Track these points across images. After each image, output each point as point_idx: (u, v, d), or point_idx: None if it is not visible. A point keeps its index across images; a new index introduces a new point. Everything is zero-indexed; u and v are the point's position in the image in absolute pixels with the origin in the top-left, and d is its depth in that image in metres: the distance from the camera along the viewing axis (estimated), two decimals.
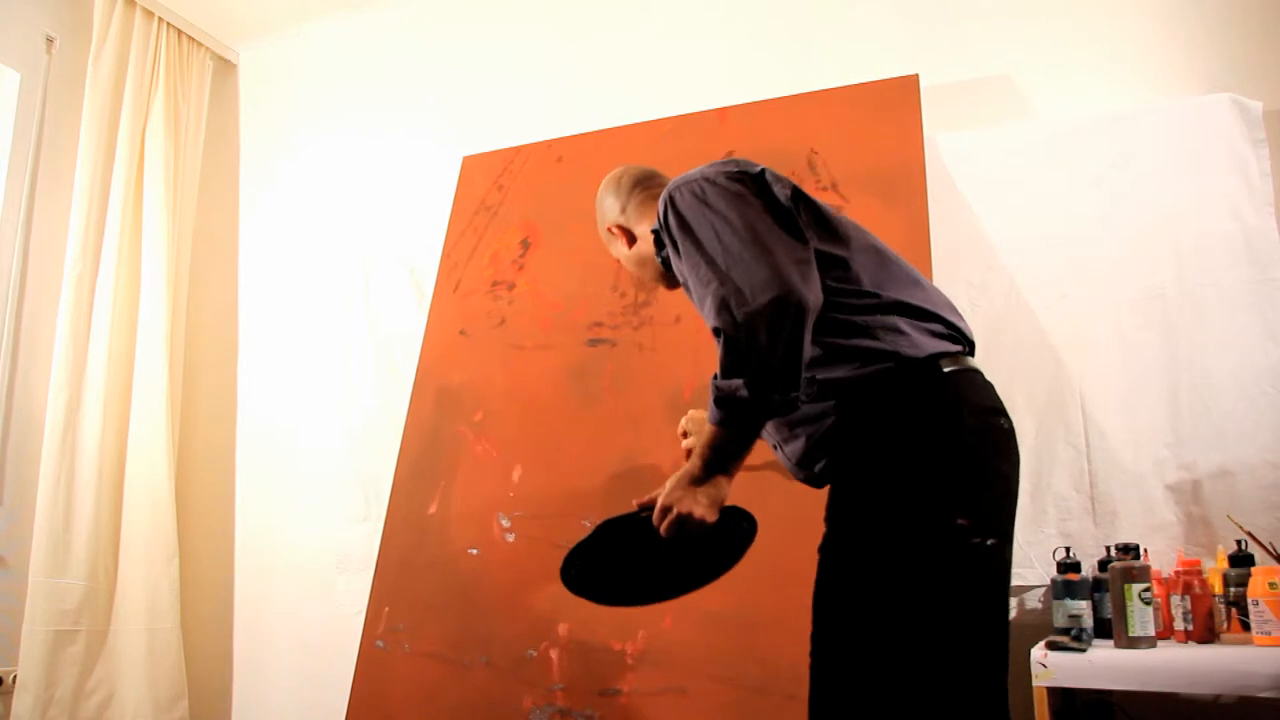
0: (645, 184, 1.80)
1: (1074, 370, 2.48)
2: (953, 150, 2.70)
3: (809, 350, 1.34)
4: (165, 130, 3.47)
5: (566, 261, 2.84)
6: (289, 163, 3.70)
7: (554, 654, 2.34)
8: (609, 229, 1.81)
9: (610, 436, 2.53)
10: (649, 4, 3.27)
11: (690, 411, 2.19)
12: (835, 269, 1.45)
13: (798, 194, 1.49)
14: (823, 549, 1.42)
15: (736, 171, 1.49)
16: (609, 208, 1.82)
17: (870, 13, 2.97)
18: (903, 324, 1.43)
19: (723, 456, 1.43)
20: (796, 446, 1.49)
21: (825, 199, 2.60)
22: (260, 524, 3.39)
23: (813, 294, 1.35)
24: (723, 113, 2.88)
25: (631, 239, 1.77)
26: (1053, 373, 2.48)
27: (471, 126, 3.37)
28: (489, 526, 2.57)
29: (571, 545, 1.57)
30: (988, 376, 1.48)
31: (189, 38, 3.68)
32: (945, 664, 1.29)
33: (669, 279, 1.72)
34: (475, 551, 2.56)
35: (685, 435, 2.18)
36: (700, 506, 1.44)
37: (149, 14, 3.51)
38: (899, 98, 2.66)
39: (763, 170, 1.50)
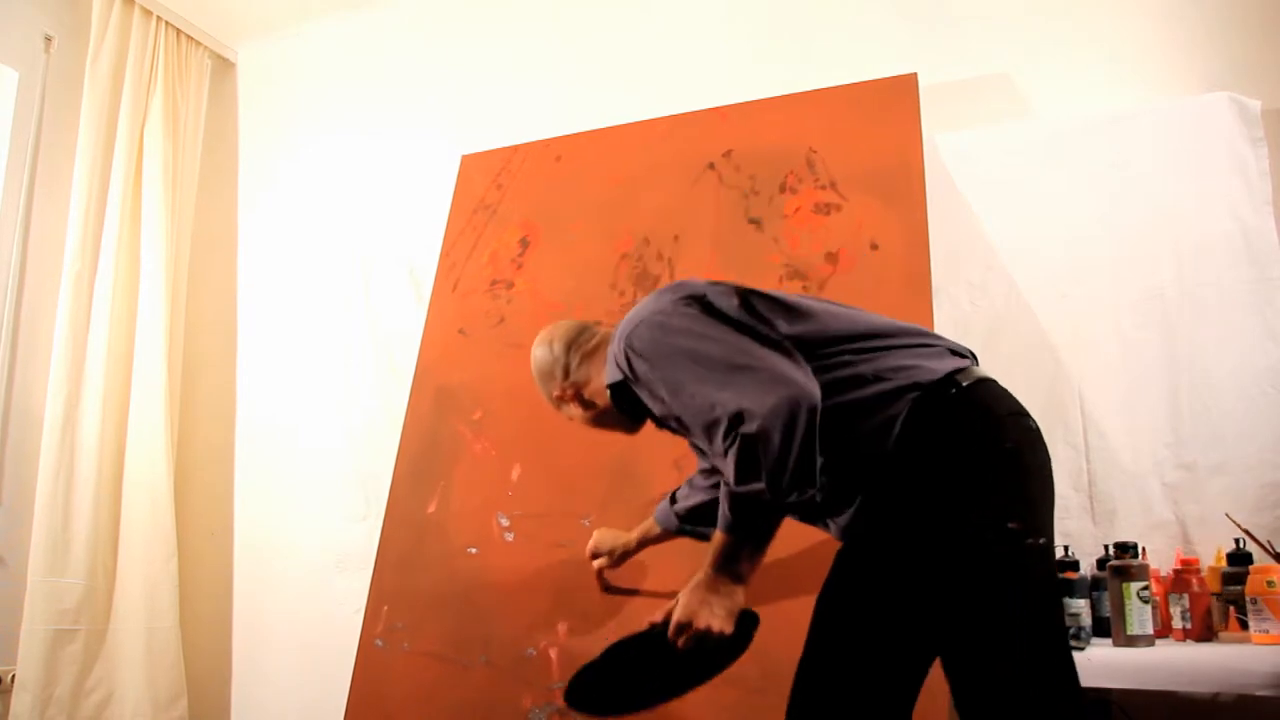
0: (578, 341, 1.76)
1: (1073, 369, 2.48)
2: (952, 150, 2.70)
3: (819, 444, 1.34)
4: (164, 129, 3.47)
5: (565, 260, 2.84)
6: (287, 162, 3.70)
7: (553, 653, 2.33)
8: (557, 396, 1.77)
9: (609, 436, 2.52)
10: (648, 4, 3.27)
11: (596, 532, 2.18)
12: (814, 341, 1.45)
13: (745, 298, 1.49)
14: (852, 562, 1.44)
15: (683, 298, 1.49)
16: (549, 375, 1.77)
17: (869, 12, 2.97)
18: (906, 358, 1.44)
19: (737, 562, 1.42)
20: (847, 516, 1.48)
21: (824, 198, 2.62)
22: (259, 523, 3.39)
23: (815, 384, 1.35)
24: (721, 112, 2.88)
25: (584, 401, 1.74)
26: (1052, 372, 2.49)
27: (470, 125, 3.37)
28: (488, 525, 2.57)
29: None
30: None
31: (187, 37, 3.67)
32: (1046, 661, 1.33)
33: (631, 426, 1.72)
34: (474, 550, 2.56)
35: (595, 555, 2.18)
36: (718, 619, 1.42)
37: (147, 13, 3.51)
38: (898, 97, 2.66)
39: (704, 290, 1.50)
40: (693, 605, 1.43)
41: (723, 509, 1.39)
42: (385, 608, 2.59)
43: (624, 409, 1.63)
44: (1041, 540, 1.36)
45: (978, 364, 1.52)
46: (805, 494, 1.34)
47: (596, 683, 1.53)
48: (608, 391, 1.62)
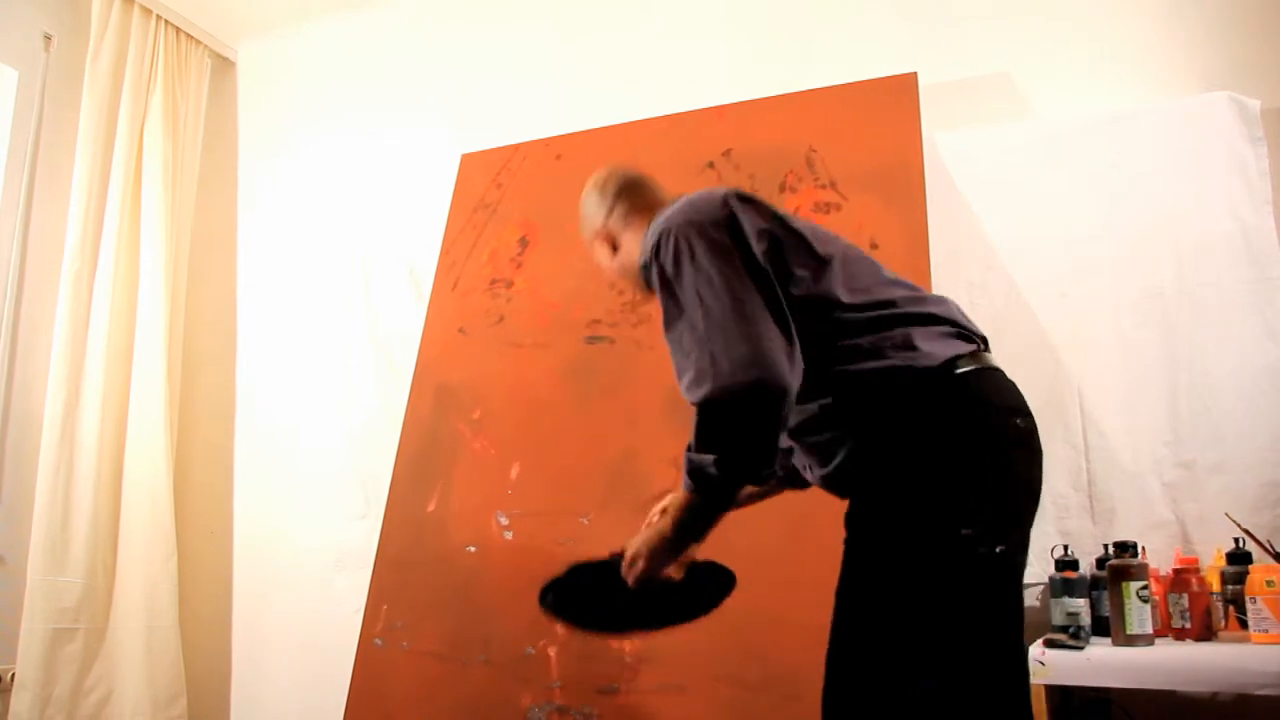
0: (631, 194, 1.74)
1: (1073, 369, 2.48)
2: (952, 149, 2.70)
3: (784, 425, 1.34)
4: (164, 128, 3.46)
5: (565, 259, 2.84)
6: (287, 161, 3.70)
7: (552, 652, 2.34)
8: (592, 235, 1.77)
9: (608, 434, 2.53)
10: (648, 3, 3.27)
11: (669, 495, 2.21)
12: (825, 304, 1.43)
13: (775, 244, 1.46)
14: (845, 553, 1.41)
15: (719, 219, 1.45)
16: (592, 214, 1.77)
17: (869, 11, 2.97)
18: (913, 335, 1.41)
19: (693, 522, 1.43)
20: (827, 469, 1.47)
21: (824, 197, 2.62)
22: (259, 522, 3.39)
23: (794, 370, 1.34)
24: (721, 110, 2.88)
25: (615, 247, 1.73)
26: (1052, 372, 2.48)
27: (470, 124, 3.37)
28: (487, 524, 2.57)
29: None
30: None
31: (187, 35, 3.67)
32: (951, 675, 1.28)
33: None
34: (473, 549, 2.56)
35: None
36: (665, 567, 1.47)
37: (147, 12, 3.51)
38: (898, 96, 2.66)
39: (743, 216, 1.46)
40: (642, 549, 1.46)
41: (683, 470, 1.39)
42: (385, 607, 2.59)
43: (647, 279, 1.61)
44: (999, 549, 1.32)
45: (986, 348, 1.48)
46: (758, 475, 1.34)
47: (565, 598, 1.60)
48: (635, 248, 1.64)
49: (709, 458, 1.33)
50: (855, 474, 1.43)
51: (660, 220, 1.50)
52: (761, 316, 1.36)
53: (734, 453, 1.33)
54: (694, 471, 1.36)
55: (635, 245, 1.66)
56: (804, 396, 1.39)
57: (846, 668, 1.34)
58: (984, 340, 1.50)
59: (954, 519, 1.31)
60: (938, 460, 1.34)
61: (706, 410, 1.33)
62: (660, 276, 1.45)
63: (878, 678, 1.29)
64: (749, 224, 1.45)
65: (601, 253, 1.77)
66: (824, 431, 1.44)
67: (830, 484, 1.49)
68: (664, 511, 1.49)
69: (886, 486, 1.36)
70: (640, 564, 1.46)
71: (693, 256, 1.41)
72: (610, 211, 1.73)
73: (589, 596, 1.58)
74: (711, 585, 1.60)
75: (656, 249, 1.47)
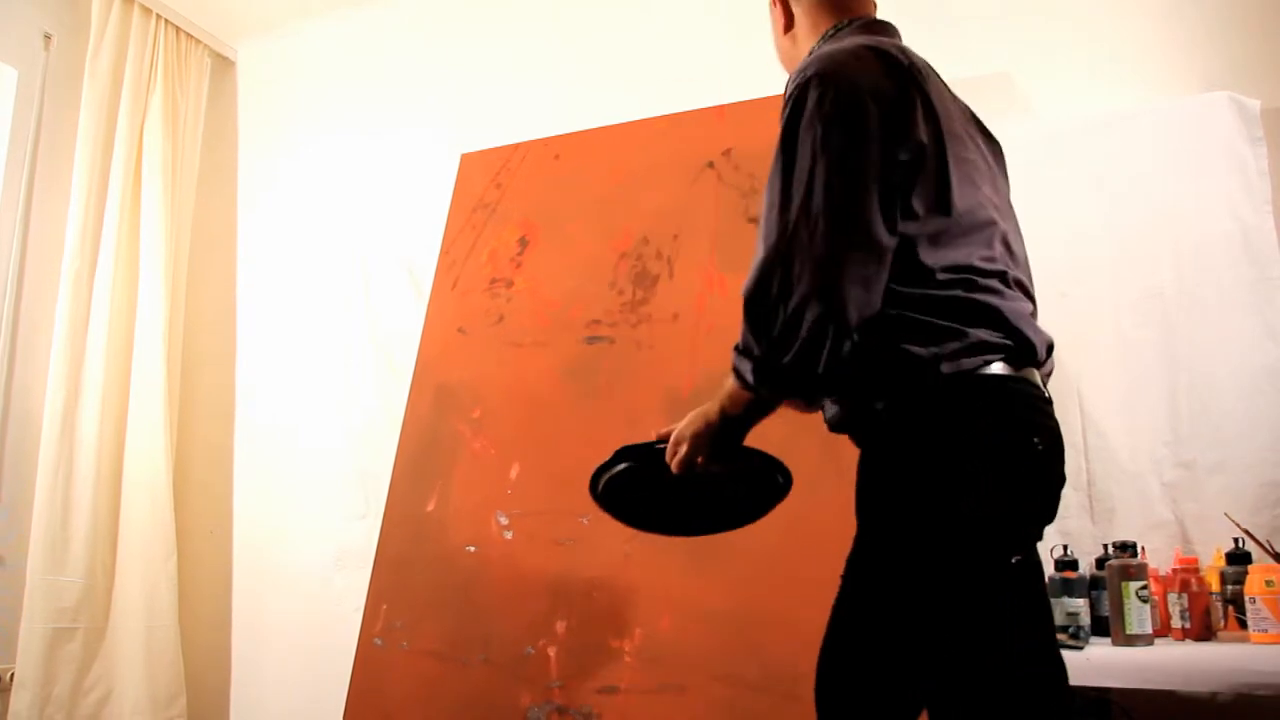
0: None
1: (1072, 369, 2.48)
2: None
3: (835, 358, 1.22)
4: (163, 127, 3.47)
5: (565, 259, 2.84)
6: (287, 160, 3.70)
7: (552, 652, 2.34)
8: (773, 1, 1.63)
9: (608, 434, 2.51)
10: (647, 3, 3.27)
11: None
12: (911, 252, 1.28)
13: (922, 154, 1.29)
14: (850, 563, 1.36)
15: (887, 89, 1.29)
16: None
17: None
18: (960, 323, 1.27)
19: (737, 414, 1.39)
20: (831, 410, 1.42)
21: None
22: (259, 521, 3.39)
23: (861, 305, 1.23)
24: (721, 110, 2.87)
25: (789, 21, 1.61)
26: (1052, 371, 2.48)
27: (470, 124, 3.37)
28: (487, 524, 2.57)
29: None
30: None
31: (187, 35, 3.67)
32: (979, 686, 1.22)
33: None
34: (473, 549, 2.56)
35: None
36: (706, 451, 1.42)
37: (147, 11, 3.51)
38: None
39: (911, 93, 1.30)
40: (688, 429, 1.42)
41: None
42: (384, 606, 2.59)
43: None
44: (1014, 559, 1.25)
45: (1041, 358, 1.38)
46: (792, 391, 1.31)
47: (614, 486, 1.54)
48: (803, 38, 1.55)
49: (748, 365, 1.29)
50: (855, 428, 1.38)
51: (826, 54, 1.35)
52: (857, 239, 1.23)
53: (770, 373, 1.27)
54: (736, 366, 1.32)
55: (805, 45, 1.55)
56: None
57: (854, 679, 1.31)
58: (1045, 352, 1.39)
59: (960, 524, 1.23)
60: (947, 475, 1.24)
61: (751, 313, 1.26)
62: (788, 123, 1.31)
63: (889, 686, 1.26)
64: (913, 122, 1.29)
65: (775, 16, 1.66)
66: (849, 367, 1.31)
67: (837, 427, 1.42)
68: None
69: (905, 491, 1.28)
70: (684, 448, 1.41)
71: (832, 121, 1.26)
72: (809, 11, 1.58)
73: (642, 486, 1.53)
74: (771, 485, 1.53)
75: (804, 88, 1.30)
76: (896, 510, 1.28)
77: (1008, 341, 1.31)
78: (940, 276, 1.29)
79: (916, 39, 2.83)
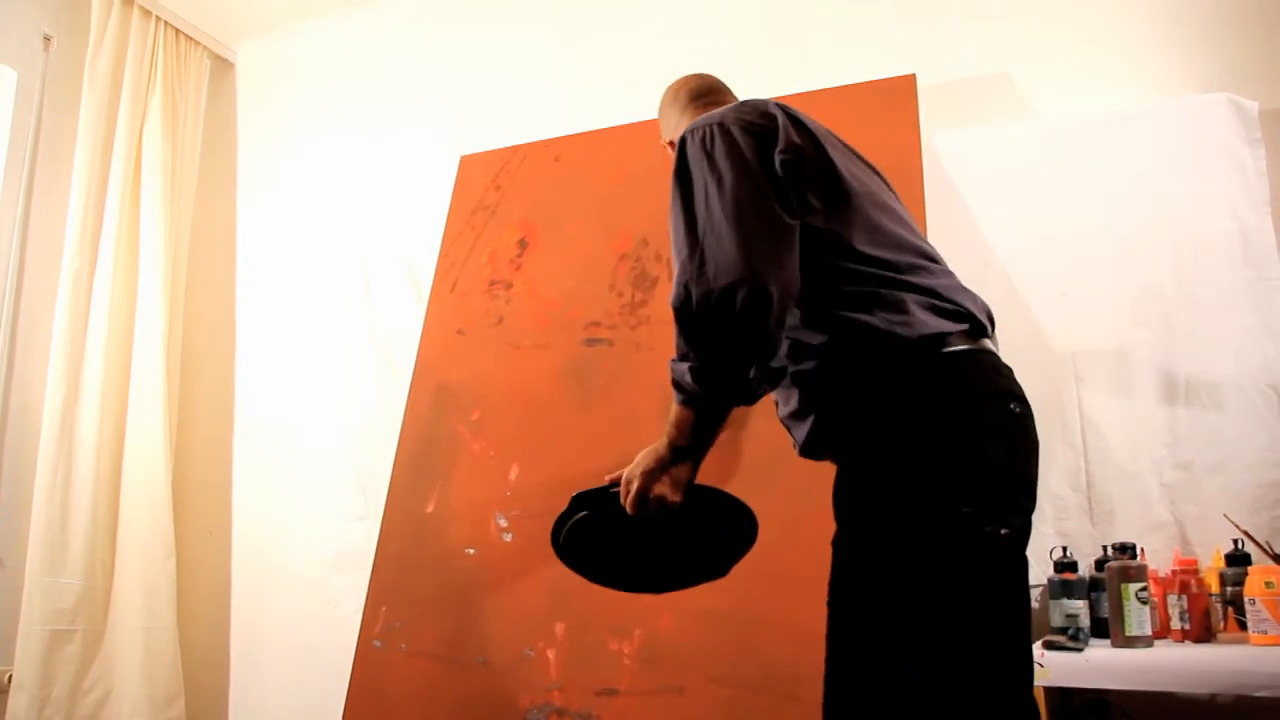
0: (702, 98, 1.74)
1: (1072, 369, 2.48)
2: (951, 149, 2.70)
3: (769, 342, 1.29)
4: (163, 129, 3.47)
5: (564, 261, 2.84)
6: (287, 161, 3.70)
7: (551, 654, 2.33)
8: (667, 142, 1.75)
9: (607, 436, 2.53)
10: (646, 4, 3.27)
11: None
12: (832, 243, 1.38)
13: (799, 157, 1.39)
14: (835, 544, 1.36)
15: (755, 123, 1.41)
16: (666, 121, 1.75)
17: (868, 12, 2.97)
18: (906, 301, 1.34)
19: (683, 435, 1.38)
20: (802, 431, 1.43)
21: None
22: (258, 522, 3.39)
23: (780, 283, 1.29)
24: None
25: None
26: (1050, 372, 2.48)
27: (469, 126, 3.37)
28: (486, 526, 2.57)
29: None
30: None
31: (186, 37, 3.67)
32: (964, 663, 1.21)
33: None
34: (472, 551, 2.56)
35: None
36: (661, 484, 1.40)
37: (146, 13, 3.51)
38: (897, 98, 2.66)
39: (777, 129, 1.40)
40: (638, 465, 1.41)
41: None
42: (383, 608, 2.59)
43: None
44: (1003, 532, 1.25)
45: (986, 332, 1.41)
46: (736, 387, 1.31)
47: (576, 539, 1.51)
48: None
49: (684, 366, 1.31)
50: (836, 444, 1.39)
51: (693, 121, 1.48)
52: (759, 226, 1.32)
53: (710, 361, 1.29)
54: (675, 381, 1.34)
55: None
56: (795, 330, 1.37)
57: (848, 665, 1.28)
58: (988, 322, 1.43)
59: (951, 496, 1.24)
60: (927, 438, 1.28)
61: (683, 312, 1.30)
62: (676, 167, 1.42)
63: (881, 671, 1.23)
64: (783, 135, 1.40)
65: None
66: (804, 380, 1.40)
67: (807, 448, 1.44)
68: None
69: (874, 465, 1.31)
70: (635, 484, 1.41)
71: (712, 153, 1.38)
72: (680, 119, 1.71)
73: (604, 538, 1.49)
74: (737, 531, 1.51)
75: (682, 140, 1.44)
76: (895, 498, 1.28)
77: (959, 312, 1.38)
78: (877, 257, 1.38)
79: (916, 40, 2.87)
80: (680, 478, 1.41)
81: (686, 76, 1.81)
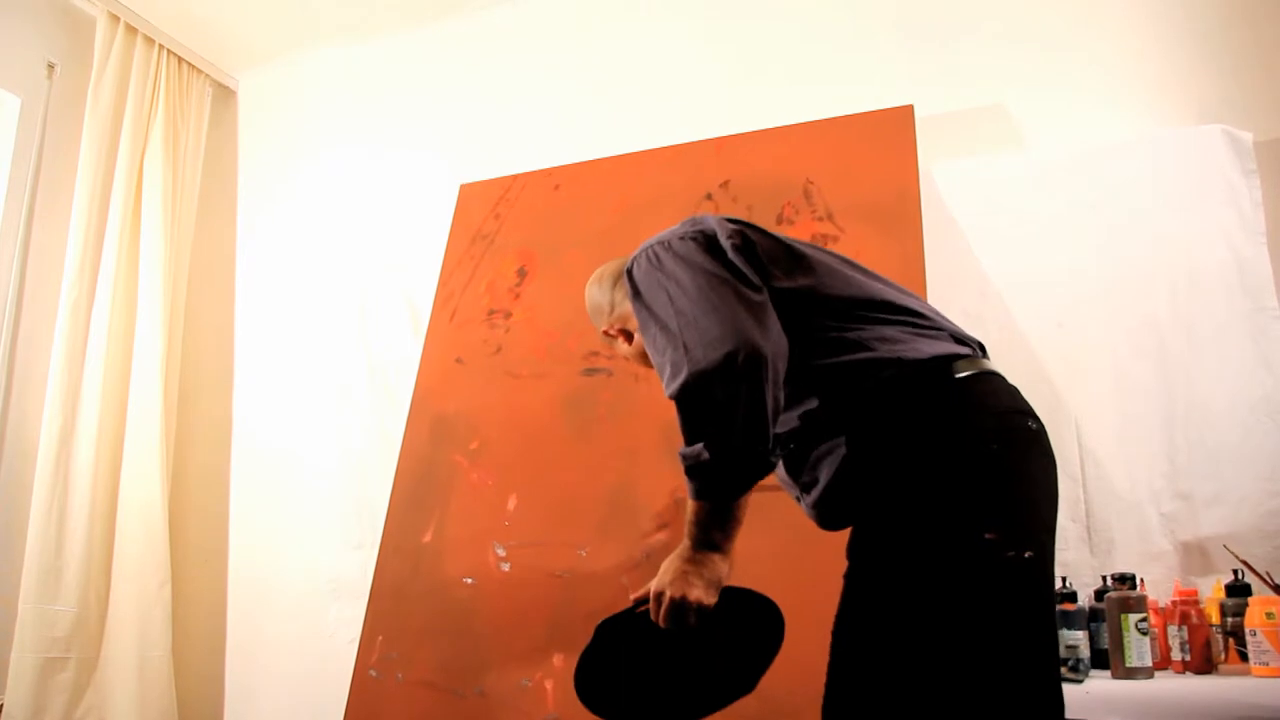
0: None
1: (1069, 399, 2.48)
2: (948, 180, 2.72)
3: (775, 403, 1.29)
4: (164, 156, 3.48)
5: (563, 290, 2.84)
6: (287, 189, 3.71)
7: (548, 684, 2.32)
8: (605, 332, 1.75)
9: (605, 466, 2.53)
10: (645, 34, 3.30)
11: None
12: (808, 298, 1.40)
13: (746, 239, 1.44)
14: (848, 577, 1.35)
15: (692, 232, 1.46)
16: (600, 311, 1.75)
17: (865, 44, 3.00)
18: (898, 332, 1.37)
19: (707, 529, 1.36)
20: (816, 492, 1.40)
21: (820, 229, 2.63)
22: (254, 551, 3.37)
23: (770, 341, 1.30)
24: (719, 142, 2.90)
25: (628, 335, 1.69)
26: (1049, 402, 2.48)
27: (469, 155, 3.39)
28: (484, 555, 2.56)
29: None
30: None
31: (189, 65, 3.70)
32: (996, 690, 1.20)
33: None
34: (470, 580, 2.55)
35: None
36: (696, 589, 1.36)
37: (150, 41, 3.54)
38: (894, 128, 2.68)
39: (713, 228, 1.46)
40: (666, 575, 1.37)
41: (685, 476, 1.35)
42: (380, 637, 2.57)
43: None
44: (1026, 555, 1.23)
45: (985, 356, 1.43)
46: (754, 452, 1.29)
47: (601, 675, 1.43)
48: None
49: (699, 446, 1.29)
50: (851, 489, 1.35)
51: (634, 253, 1.52)
52: (731, 302, 1.33)
53: (724, 433, 1.27)
54: (691, 468, 1.32)
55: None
56: (787, 403, 1.36)
57: (863, 695, 1.25)
58: (980, 346, 1.45)
59: (973, 523, 1.23)
60: (946, 461, 1.27)
61: (685, 397, 1.29)
62: (633, 292, 1.45)
63: (907, 701, 1.21)
64: (719, 229, 1.45)
65: (619, 346, 1.74)
66: (810, 444, 1.39)
67: (823, 508, 1.42)
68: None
69: (892, 495, 1.29)
70: (667, 594, 1.36)
71: (661, 265, 1.42)
72: (613, 302, 1.72)
73: (631, 668, 1.41)
74: (765, 627, 1.45)
75: (629, 273, 1.48)
76: (917, 528, 1.26)
77: (958, 337, 1.41)
78: (859, 298, 1.42)
79: (913, 72, 2.89)
80: (714, 578, 1.38)
81: (596, 272, 1.81)
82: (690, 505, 1.36)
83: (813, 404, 1.37)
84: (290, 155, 3.75)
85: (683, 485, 1.40)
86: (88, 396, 3.18)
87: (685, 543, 1.38)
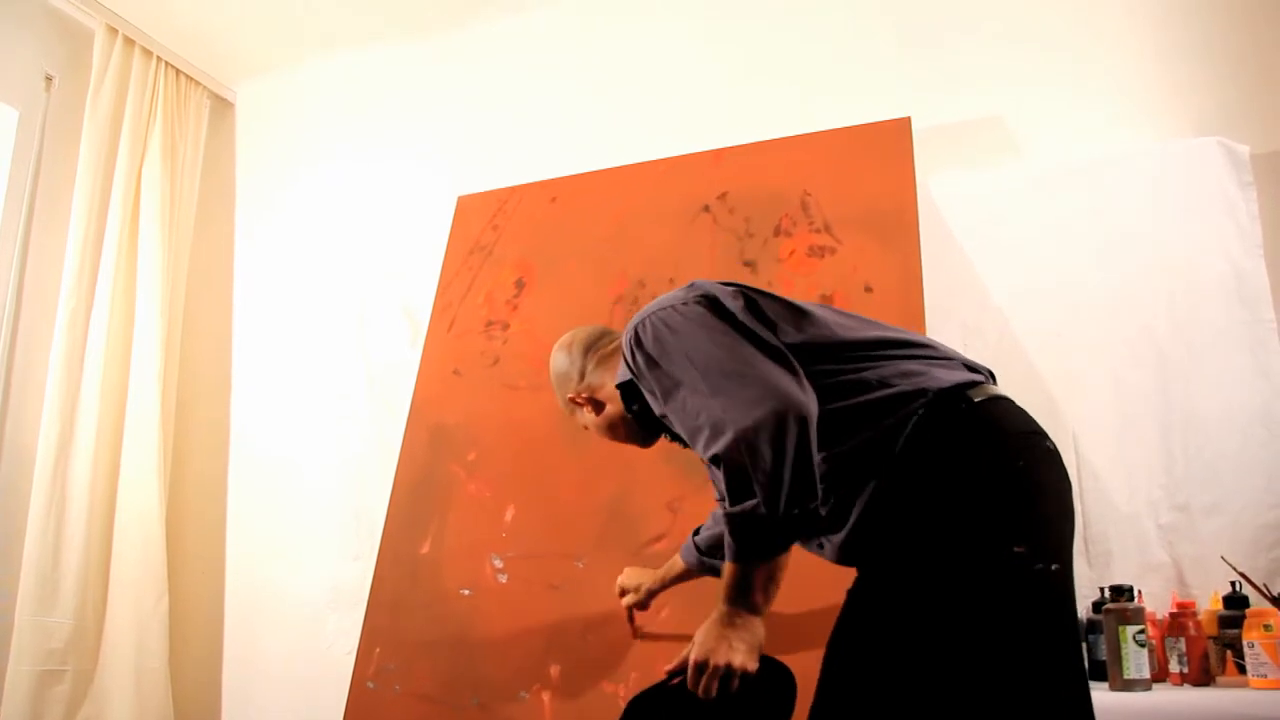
0: (597, 345, 1.74)
1: (1067, 410, 2.49)
2: (946, 192, 2.73)
3: (818, 458, 1.29)
4: (162, 168, 3.48)
5: (561, 301, 2.84)
6: (284, 200, 3.72)
7: (546, 696, 2.31)
8: (571, 399, 1.74)
9: (603, 477, 2.52)
10: (643, 45, 3.31)
11: (625, 570, 2.12)
12: (817, 348, 1.42)
13: (751, 301, 1.46)
14: (853, 593, 1.36)
15: (695, 296, 1.47)
16: (566, 378, 1.74)
17: (864, 56, 3.01)
18: (915, 365, 1.40)
19: (750, 592, 1.34)
20: (844, 531, 1.39)
21: (818, 241, 2.63)
22: (252, 561, 3.37)
23: (808, 395, 1.32)
24: (717, 154, 2.90)
25: (597, 405, 1.70)
26: (1046, 413, 2.44)
27: (466, 166, 3.39)
28: (481, 567, 2.56)
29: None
30: None
31: (187, 77, 3.70)
32: (1028, 703, 1.21)
33: (645, 437, 1.68)
34: (467, 592, 2.54)
35: (624, 593, 2.11)
36: (739, 654, 1.33)
37: (148, 53, 3.54)
38: (892, 140, 2.68)
39: (715, 291, 1.47)
40: (709, 642, 1.34)
41: (725, 537, 1.34)
42: (377, 649, 2.56)
43: (634, 414, 1.60)
44: (1054, 567, 1.27)
45: (994, 382, 1.46)
46: (805, 506, 1.29)
47: None
48: (619, 395, 1.60)
49: (751, 502, 1.28)
50: (880, 522, 1.34)
51: (628, 327, 1.51)
52: (757, 358, 1.36)
53: (774, 486, 1.27)
54: (739, 524, 1.30)
55: (609, 383, 1.66)
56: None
57: (870, 711, 1.26)
58: (991, 374, 1.49)
59: (1002, 537, 1.25)
60: (972, 479, 1.29)
61: (731, 456, 1.28)
62: (646, 361, 1.44)
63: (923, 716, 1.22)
64: (719, 291, 1.47)
65: (583, 415, 1.74)
66: (836, 486, 1.37)
67: (849, 546, 1.40)
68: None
69: (918, 516, 1.30)
70: (711, 662, 1.33)
71: (673, 330, 1.43)
72: (583, 370, 1.72)
73: None
74: (780, 690, 1.43)
75: (636, 342, 1.47)
76: (942, 545, 1.28)
77: (970, 365, 1.45)
78: (866, 339, 1.45)
79: (910, 85, 2.90)
80: (756, 642, 1.35)
81: (563, 338, 1.80)
82: (728, 569, 1.35)
83: (840, 447, 1.35)
84: (288, 166, 3.76)
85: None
86: (85, 407, 3.18)
87: (723, 607, 1.36)
